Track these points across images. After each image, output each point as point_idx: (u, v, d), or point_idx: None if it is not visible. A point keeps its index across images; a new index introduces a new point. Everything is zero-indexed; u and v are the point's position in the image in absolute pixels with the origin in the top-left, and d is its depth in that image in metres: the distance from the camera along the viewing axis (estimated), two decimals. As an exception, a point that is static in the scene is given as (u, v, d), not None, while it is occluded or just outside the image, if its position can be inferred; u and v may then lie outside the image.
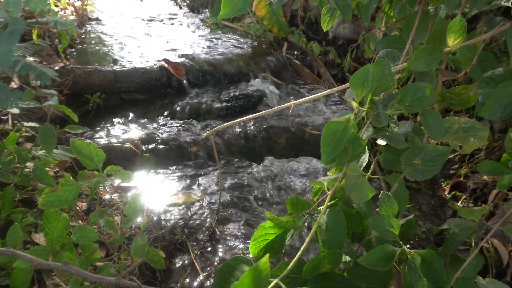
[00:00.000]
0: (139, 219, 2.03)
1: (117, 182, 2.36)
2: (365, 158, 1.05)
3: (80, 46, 3.54)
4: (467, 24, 1.01)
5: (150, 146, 2.67)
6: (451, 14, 0.98)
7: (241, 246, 2.02)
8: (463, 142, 1.02)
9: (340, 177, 1.02)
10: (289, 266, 0.95)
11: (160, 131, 2.81)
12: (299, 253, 0.95)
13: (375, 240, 1.04)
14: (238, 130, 2.91)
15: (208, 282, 1.83)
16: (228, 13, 0.94)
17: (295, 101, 1.08)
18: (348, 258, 0.98)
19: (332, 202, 1.05)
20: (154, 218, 2.10)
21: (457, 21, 0.94)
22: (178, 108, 3.12)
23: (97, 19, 4.39)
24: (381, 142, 1.07)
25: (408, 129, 1.09)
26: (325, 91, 1.08)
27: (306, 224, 1.27)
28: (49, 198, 1.19)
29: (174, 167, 2.63)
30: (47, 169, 1.91)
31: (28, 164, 1.65)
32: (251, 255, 1.11)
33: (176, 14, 5.04)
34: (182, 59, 3.44)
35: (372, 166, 1.10)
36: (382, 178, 1.13)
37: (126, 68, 3.15)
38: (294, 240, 1.04)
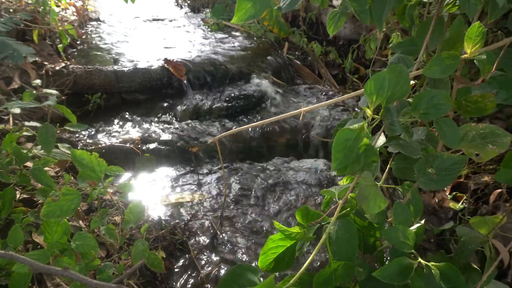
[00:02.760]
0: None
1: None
2: (377, 168, 1.02)
3: (81, 46, 3.51)
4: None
5: (151, 146, 2.64)
6: (470, 19, 0.95)
7: (242, 246, 2.00)
8: (480, 150, 0.98)
9: (352, 187, 0.99)
10: (293, 279, 0.92)
11: (161, 131, 2.79)
12: (305, 264, 0.91)
13: (389, 252, 1.01)
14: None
15: (208, 282, 1.81)
16: (241, 18, 0.90)
17: (305, 108, 1.05)
18: (360, 270, 0.95)
19: (343, 212, 1.02)
20: (155, 218, 2.08)
21: (475, 27, 0.91)
22: (179, 108, 3.09)
23: (98, 19, 4.36)
24: (393, 150, 1.04)
25: (421, 137, 1.06)
26: (337, 98, 1.05)
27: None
28: (50, 208, 1.16)
29: (175, 167, 2.61)
30: (48, 169, 1.88)
31: (29, 163, 1.62)
32: (256, 262, 1.08)
33: (177, 14, 5.02)
34: (183, 59, 3.41)
35: (384, 175, 1.07)
36: (396, 188, 1.10)
37: (127, 68, 3.13)
38: (303, 252, 1.01)
